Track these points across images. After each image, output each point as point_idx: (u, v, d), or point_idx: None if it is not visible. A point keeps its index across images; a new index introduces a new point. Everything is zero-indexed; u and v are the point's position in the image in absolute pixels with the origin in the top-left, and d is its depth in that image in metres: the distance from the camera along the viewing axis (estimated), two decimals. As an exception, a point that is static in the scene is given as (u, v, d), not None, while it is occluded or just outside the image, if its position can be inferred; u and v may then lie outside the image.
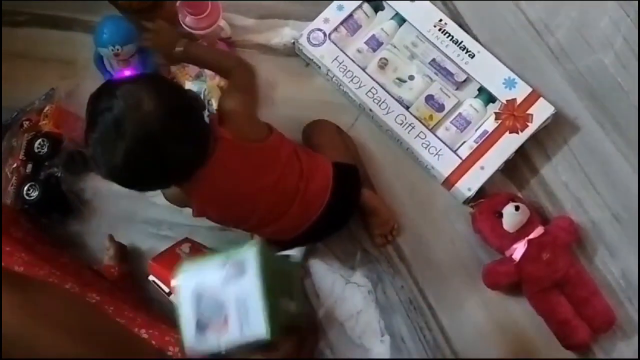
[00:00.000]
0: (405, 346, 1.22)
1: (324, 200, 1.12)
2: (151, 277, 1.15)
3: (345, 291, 1.24)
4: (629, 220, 1.25)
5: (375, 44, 1.31)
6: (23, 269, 1.04)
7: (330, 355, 1.22)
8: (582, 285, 1.18)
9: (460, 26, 1.31)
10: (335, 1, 1.32)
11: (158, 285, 1.15)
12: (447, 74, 1.29)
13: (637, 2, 1.33)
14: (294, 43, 1.32)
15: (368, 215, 1.24)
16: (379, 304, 1.24)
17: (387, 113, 1.26)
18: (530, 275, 1.18)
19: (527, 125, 1.23)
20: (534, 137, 1.26)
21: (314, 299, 1.24)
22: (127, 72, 1.26)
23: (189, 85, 1.28)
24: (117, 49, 1.24)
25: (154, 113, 0.91)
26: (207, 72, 1.29)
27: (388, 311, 1.23)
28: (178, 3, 1.25)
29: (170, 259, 1.13)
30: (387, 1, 1.32)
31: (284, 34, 1.35)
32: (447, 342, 1.22)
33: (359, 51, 1.31)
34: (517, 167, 1.28)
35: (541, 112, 1.24)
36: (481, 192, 1.23)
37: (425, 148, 1.24)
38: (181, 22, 1.27)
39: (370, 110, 1.27)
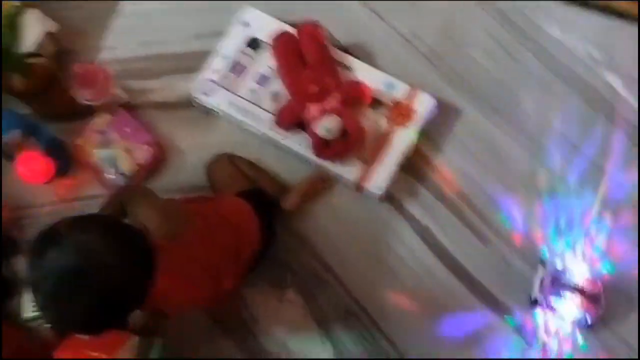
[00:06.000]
0: (349, 352, 1.29)
1: (257, 237, 1.21)
2: None
3: (279, 310, 1.31)
4: (524, 188, 1.36)
5: (264, 80, 1.41)
6: None
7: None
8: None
9: (338, 47, 1.42)
10: (217, 51, 1.41)
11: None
12: (333, 91, 1.39)
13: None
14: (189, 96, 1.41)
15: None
16: (315, 317, 1.30)
17: (287, 138, 1.36)
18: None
19: (413, 119, 1.35)
20: (425, 134, 1.37)
21: (253, 325, 1.31)
22: (30, 155, 1.29)
23: (97, 153, 1.35)
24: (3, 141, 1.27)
25: (113, 262, 0.86)
26: (113, 137, 1.36)
27: (326, 322, 1.31)
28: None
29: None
30: (261, 40, 1.41)
31: (178, 88, 1.44)
32: (391, 344, 1.30)
33: (251, 91, 1.40)
34: (415, 164, 1.38)
35: (424, 105, 1.36)
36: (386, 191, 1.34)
37: (331, 161, 1.34)
38: (78, 99, 1.34)
39: (274, 139, 1.36)
